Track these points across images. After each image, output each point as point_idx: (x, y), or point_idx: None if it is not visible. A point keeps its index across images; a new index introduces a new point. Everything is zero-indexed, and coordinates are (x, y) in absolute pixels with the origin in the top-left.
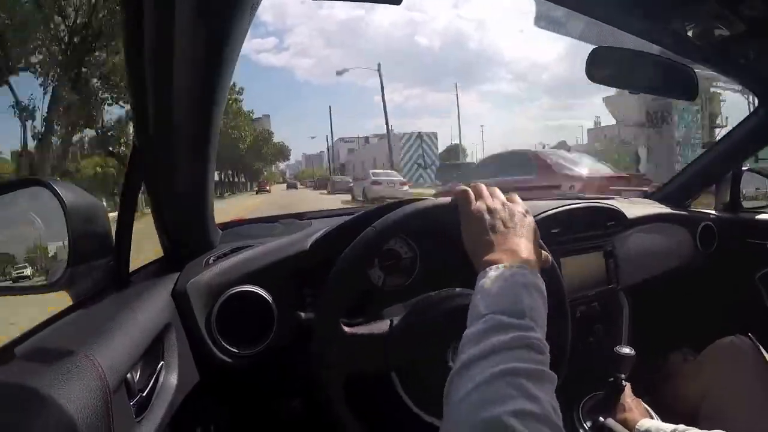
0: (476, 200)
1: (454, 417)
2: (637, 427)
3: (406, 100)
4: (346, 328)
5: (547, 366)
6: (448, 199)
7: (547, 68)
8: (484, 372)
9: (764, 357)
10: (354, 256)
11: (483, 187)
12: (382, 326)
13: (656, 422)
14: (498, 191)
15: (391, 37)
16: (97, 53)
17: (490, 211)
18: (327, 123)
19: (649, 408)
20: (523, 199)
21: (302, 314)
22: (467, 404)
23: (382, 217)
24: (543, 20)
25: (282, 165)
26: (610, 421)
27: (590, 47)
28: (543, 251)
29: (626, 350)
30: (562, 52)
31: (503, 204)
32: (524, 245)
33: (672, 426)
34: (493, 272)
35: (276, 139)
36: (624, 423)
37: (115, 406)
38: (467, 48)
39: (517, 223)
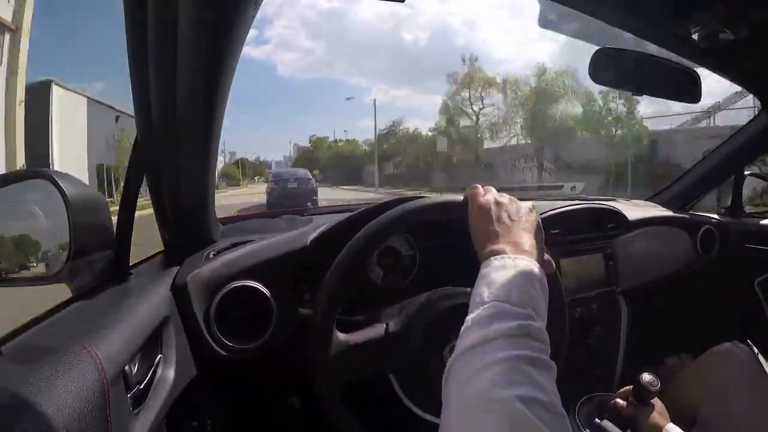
0: (485, 194)
1: (458, 397)
2: (664, 431)
3: (394, 101)
4: (341, 335)
5: (548, 355)
6: (459, 196)
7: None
8: (490, 356)
9: (761, 364)
10: (353, 254)
11: (491, 187)
12: (378, 330)
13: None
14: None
15: (376, 32)
16: None
17: (498, 203)
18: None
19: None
20: (524, 200)
21: (302, 310)
22: (473, 385)
23: (383, 214)
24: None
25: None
26: (606, 423)
27: (593, 48)
28: (546, 255)
29: (652, 381)
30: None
31: (510, 199)
32: (528, 238)
33: None
34: (497, 261)
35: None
36: (651, 425)
37: (112, 398)
38: (456, 46)
39: (522, 217)
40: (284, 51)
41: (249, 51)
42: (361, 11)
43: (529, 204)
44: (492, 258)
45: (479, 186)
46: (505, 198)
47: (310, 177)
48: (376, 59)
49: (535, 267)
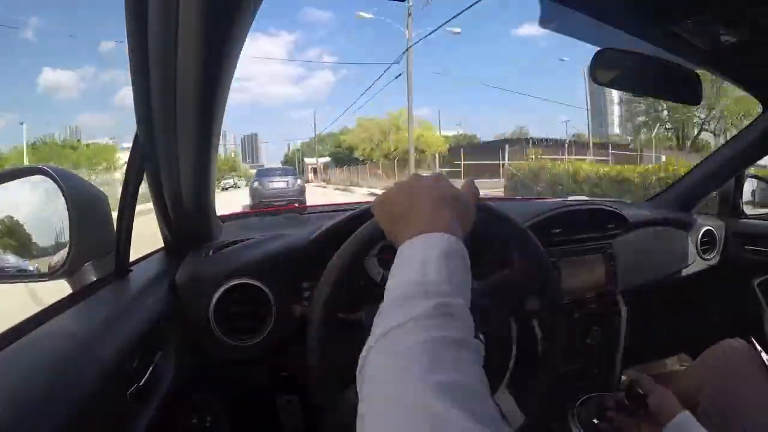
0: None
1: (373, 391)
2: (676, 419)
3: None
4: (339, 319)
5: (471, 334)
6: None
7: None
8: (404, 342)
9: (761, 359)
10: (351, 251)
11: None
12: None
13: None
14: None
15: None
16: None
17: (393, 195)
18: None
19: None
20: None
21: (298, 307)
22: (383, 378)
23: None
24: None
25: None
26: (604, 425)
27: (594, 49)
28: (470, 208)
29: (632, 374)
30: None
31: (408, 185)
32: (440, 214)
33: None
34: (406, 247)
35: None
36: (658, 410)
37: (111, 394)
38: None
39: (428, 194)
40: None
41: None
42: None
43: (429, 177)
44: (403, 243)
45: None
46: (399, 187)
47: (297, 175)
48: None
49: (451, 240)
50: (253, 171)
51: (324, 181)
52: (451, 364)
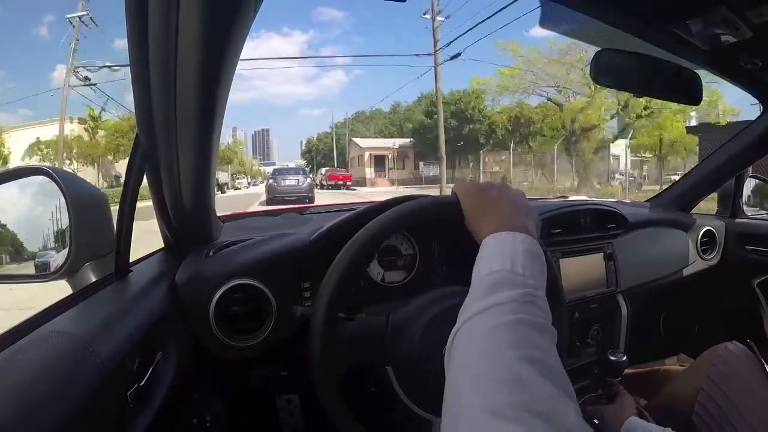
0: (472, 186)
1: (463, 363)
2: (625, 424)
3: None
4: (341, 333)
5: (550, 321)
6: (451, 195)
7: None
8: (496, 320)
9: (760, 363)
10: (353, 252)
11: (477, 181)
12: (379, 321)
13: (645, 423)
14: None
15: None
16: None
17: (485, 189)
18: None
19: (643, 409)
20: None
21: (298, 308)
22: (478, 349)
23: (383, 213)
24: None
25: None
26: (602, 424)
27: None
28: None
29: (618, 356)
30: None
31: (498, 185)
32: (522, 217)
33: (661, 429)
34: (494, 239)
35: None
36: (613, 420)
37: (111, 394)
38: None
39: (515, 198)
40: None
41: None
42: None
43: (515, 188)
44: (490, 236)
45: (466, 179)
46: (491, 184)
47: (308, 176)
48: None
49: (535, 243)
50: (263, 168)
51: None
52: (534, 342)
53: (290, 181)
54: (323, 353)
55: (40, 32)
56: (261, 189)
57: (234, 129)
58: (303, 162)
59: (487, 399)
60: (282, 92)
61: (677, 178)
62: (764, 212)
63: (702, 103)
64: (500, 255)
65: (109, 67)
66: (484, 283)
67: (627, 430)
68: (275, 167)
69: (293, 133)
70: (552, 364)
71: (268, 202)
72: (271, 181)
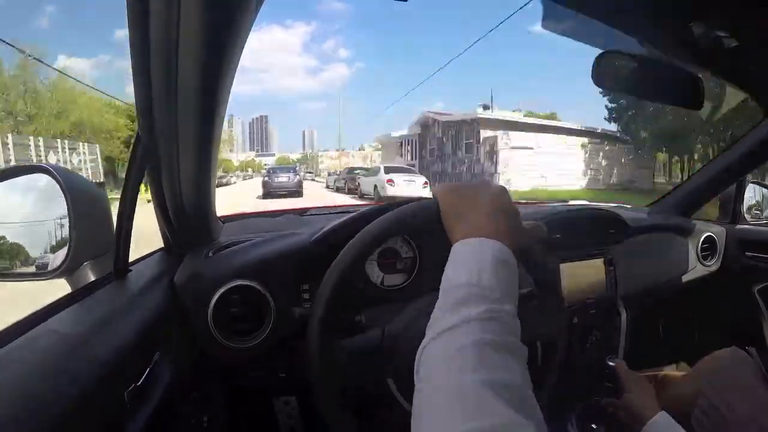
0: (447, 187)
1: (428, 386)
2: (656, 417)
3: None
4: (338, 340)
5: (517, 338)
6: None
7: None
8: (456, 342)
9: (760, 369)
10: (352, 255)
11: (458, 182)
12: (375, 333)
13: (673, 421)
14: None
15: None
16: None
17: (462, 189)
18: None
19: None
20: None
21: (297, 309)
22: (442, 373)
23: (382, 215)
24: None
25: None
26: (601, 429)
27: (597, 51)
28: (534, 223)
29: (617, 361)
30: None
31: (473, 186)
32: (495, 221)
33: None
34: (463, 245)
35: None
36: (634, 407)
37: (109, 393)
38: None
39: (484, 201)
40: None
41: None
42: None
43: (496, 188)
44: (460, 242)
45: (446, 183)
46: (469, 184)
47: (297, 173)
48: None
49: (504, 249)
50: (260, 160)
51: None
52: (495, 363)
53: (282, 178)
54: (321, 354)
55: None
56: (253, 183)
57: (231, 116)
58: (298, 157)
59: (447, 426)
60: (284, 84)
61: None
62: (765, 218)
63: None
64: (467, 265)
65: None
66: (451, 298)
67: (657, 423)
68: (269, 166)
69: (295, 124)
70: (512, 385)
71: (264, 196)
72: (266, 178)
